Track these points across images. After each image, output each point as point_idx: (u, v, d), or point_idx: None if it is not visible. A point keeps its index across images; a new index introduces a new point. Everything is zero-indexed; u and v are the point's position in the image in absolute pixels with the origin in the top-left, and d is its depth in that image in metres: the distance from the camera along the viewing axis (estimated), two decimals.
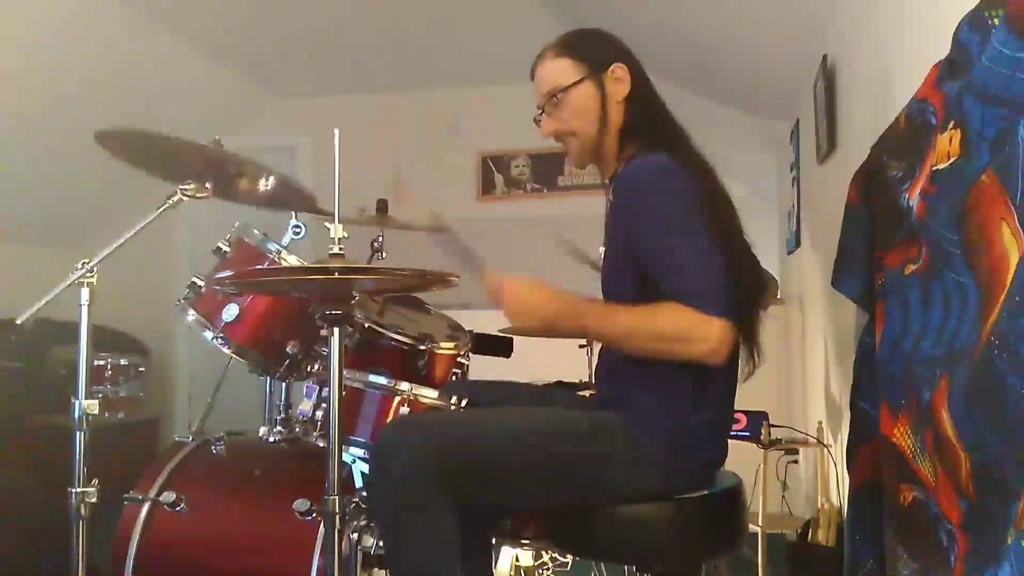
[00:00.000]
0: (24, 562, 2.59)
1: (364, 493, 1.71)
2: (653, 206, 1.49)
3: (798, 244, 3.75)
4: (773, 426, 3.02)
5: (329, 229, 1.44)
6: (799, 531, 2.90)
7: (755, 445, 2.97)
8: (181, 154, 1.75)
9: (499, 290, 1.56)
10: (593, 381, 2.40)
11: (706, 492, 1.55)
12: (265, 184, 1.88)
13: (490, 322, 2.65)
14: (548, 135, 1.68)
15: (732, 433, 2.89)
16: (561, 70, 1.63)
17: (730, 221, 1.55)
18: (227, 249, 1.97)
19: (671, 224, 1.47)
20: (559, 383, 2.47)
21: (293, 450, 2.05)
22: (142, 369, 4.57)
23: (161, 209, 1.70)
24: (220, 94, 4.83)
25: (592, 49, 1.64)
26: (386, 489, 1.43)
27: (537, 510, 1.84)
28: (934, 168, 1.31)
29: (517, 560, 2.34)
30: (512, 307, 1.53)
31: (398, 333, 2.00)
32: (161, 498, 1.83)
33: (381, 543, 1.62)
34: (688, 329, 1.41)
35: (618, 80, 1.61)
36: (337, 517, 1.43)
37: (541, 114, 1.68)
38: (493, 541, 1.83)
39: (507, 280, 1.56)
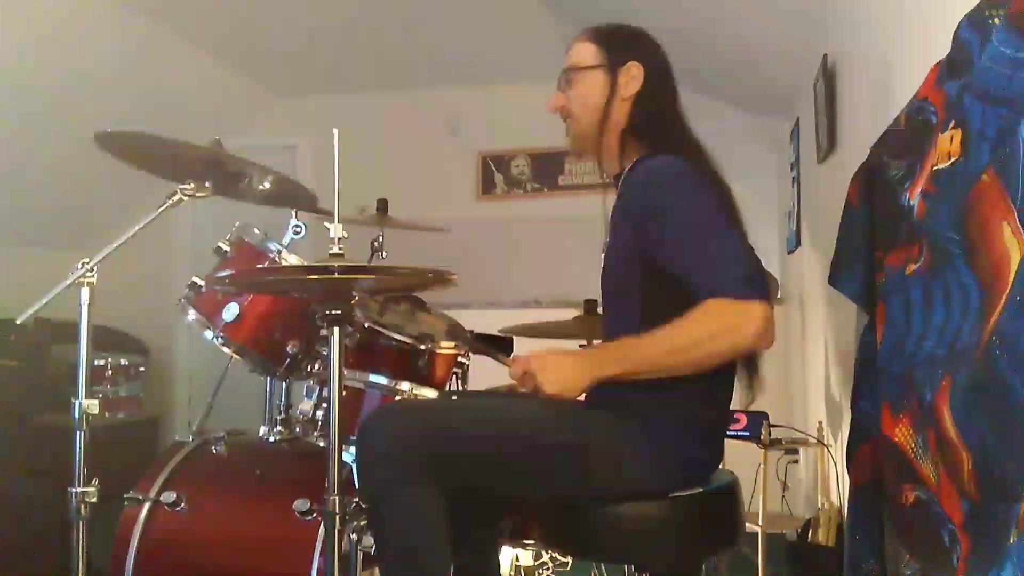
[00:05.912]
0: (24, 562, 2.59)
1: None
2: (672, 205, 1.49)
3: (798, 244, 3.75)
4: (773, 426, 3.02)
5: (329, 229, 1.44)
6: (799, 531, 2.90)
7: (755, 445, 2.97)
8: (181, 155, 1.75)
9: (528, 372, 1.49)
10: None
11: (701, 490, 1.55)
12: (265, 184, 1.88)
13: (490, 322, 2.66)
14: (553, 109, 1.70)
15: (732, 433, 2.92)
16: (584, 52, 1.67)
17: (742, 222, 1.56)
18: (227, 249, 1.97)
19: (695, 221, 1.47)
20: None
21: (293, 450, 2.05)
22: (142, 369, 4.57)
23: (161, 209, 1.70)
24: (220, 94, 4.82)
25: (619, 43, 1.66)
26: (369, 466, 1.46)
27: (522, 496, 1.83)
28: (935, 168, 1.31)
29: (517, 560, 2.34)
30: (550, 382, 1.46)
31: (398, 333, 2.00)
32: (161, 498, 1.83)
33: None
34: (731, 317, 1.38)
35: (631, 78, 1.62)
36: (337, 517, 1.43)
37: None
38: (496, 538, 1.82)
39: (532, 360, 1.49)
